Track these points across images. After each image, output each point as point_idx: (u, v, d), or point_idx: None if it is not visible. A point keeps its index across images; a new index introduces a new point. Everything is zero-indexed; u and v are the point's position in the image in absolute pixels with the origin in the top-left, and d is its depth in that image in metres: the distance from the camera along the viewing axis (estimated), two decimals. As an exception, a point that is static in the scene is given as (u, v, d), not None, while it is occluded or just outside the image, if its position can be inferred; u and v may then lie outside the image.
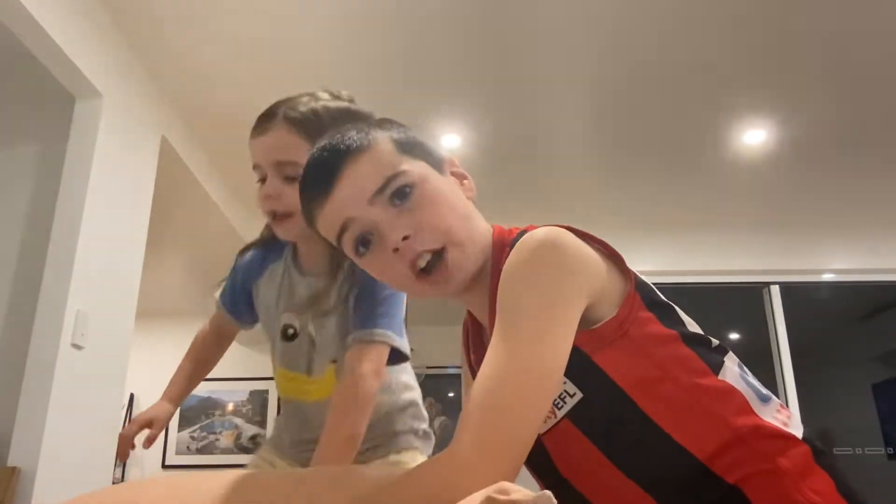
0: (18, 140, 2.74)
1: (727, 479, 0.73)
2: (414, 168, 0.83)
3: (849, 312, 4.89)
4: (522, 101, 3.20)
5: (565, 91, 3.15)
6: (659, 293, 0.83)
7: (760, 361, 4.30)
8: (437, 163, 0.87)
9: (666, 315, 0.80)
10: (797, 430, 0.78)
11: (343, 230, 0.83)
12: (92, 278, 2.43)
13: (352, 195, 0.82)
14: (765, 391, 0.81)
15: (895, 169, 3.80)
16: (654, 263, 4.39)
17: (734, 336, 5.11)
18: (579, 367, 0.73)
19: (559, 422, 0.77)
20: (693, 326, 0.82)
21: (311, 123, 1.11)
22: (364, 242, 0.83)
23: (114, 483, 2.89)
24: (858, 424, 4.51)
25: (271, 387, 5.81)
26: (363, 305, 1.13)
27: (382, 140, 0.84)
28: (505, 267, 0.76)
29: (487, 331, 0.84)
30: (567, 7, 2.60)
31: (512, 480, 0.64)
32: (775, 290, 4.36)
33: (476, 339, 0.95)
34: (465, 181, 0.91)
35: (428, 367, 5.14)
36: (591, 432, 0.77)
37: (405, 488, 0.66)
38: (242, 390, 5.78)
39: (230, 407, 5.75)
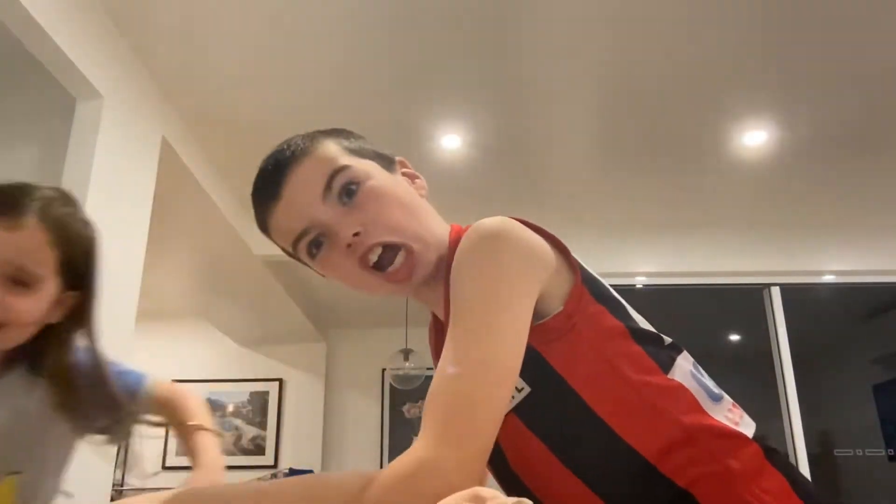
0: (19, 141, 2.74)
1: (677, 481, 0.72)
2: (358, 165, 0.84)
3: (849, 314, 4.88)
4: (522, 101, 3.20)
5: (566, 92, 3.15)
6: (609, 287, 0.82)
7: (761, 363, 4.29)
8: (385, 162, 0.88)
9: (614, 309, 0.79)
10: (748, 430, 0.77)
11: (301, 236, 0.83)
12: (92, 279, 2.42)
13: (303, 198, 0.82)
14: (717, 390, 0.80)
15: (895, 169, 3.80)
16: (654, 264, 4.39)
17: (734, 337, 5.11)
18: (527, 361, 0.71)
19: (506, 417, 0.75)
20: (644, 323, 0.81)
21: (63, 232, 0.98)
22: (317, 244, 0.84)
23: (112, 486, 2.90)
24: (859, 425, 4.50)
25: (272, 388, 5.81)
26: (108, 384, 1.08)
27: (327, 142, 0.86)
28: (455, 256, 0.75)
29: (445, 327, 0.84)
30: (567, 8, 2.60)
31: (479, 474, 0.64)
32: (776, 291, 4.35)
33: (440, 340, 0.94)
34: (416, 180, 0.92)
35: (428, 368, 5.15)
36: (539, 428, 0.76)
37: (376, 495, 0.64)
38: (242, 392, 5.78)
39: (230, 408, 5.74)
